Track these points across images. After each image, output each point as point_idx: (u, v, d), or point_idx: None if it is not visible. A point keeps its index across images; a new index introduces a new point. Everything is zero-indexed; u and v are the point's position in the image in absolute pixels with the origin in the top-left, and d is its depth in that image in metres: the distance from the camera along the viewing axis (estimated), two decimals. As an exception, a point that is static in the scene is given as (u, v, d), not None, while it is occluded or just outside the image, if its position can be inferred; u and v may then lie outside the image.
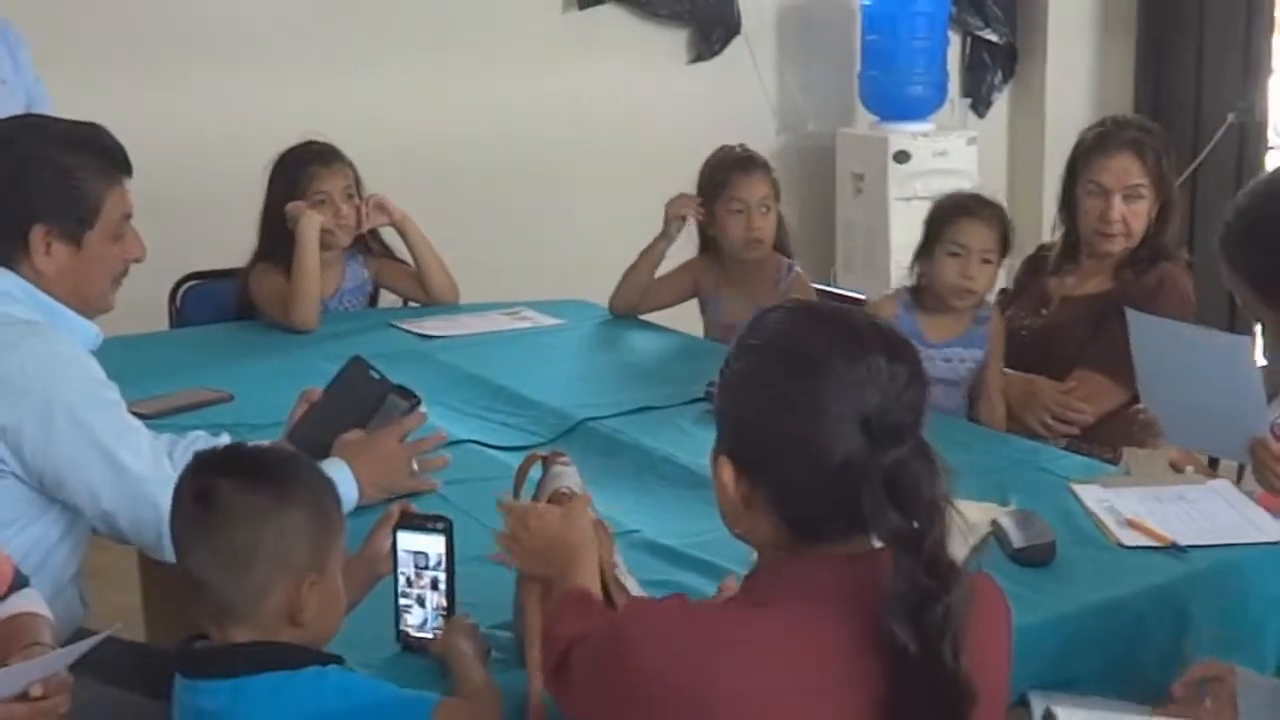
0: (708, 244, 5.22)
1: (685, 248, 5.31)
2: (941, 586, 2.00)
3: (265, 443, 3.19)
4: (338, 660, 2.50)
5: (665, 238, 5.20)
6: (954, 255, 4.24)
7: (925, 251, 4.34)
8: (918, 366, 2.12)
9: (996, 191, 7.79)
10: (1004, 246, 4.28)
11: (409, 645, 2.75)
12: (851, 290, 5.58)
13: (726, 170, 5.02)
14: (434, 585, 2.73)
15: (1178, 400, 3.64)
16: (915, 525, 2.01)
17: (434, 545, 2.74)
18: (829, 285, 5.99)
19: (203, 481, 2.47)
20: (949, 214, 4.31)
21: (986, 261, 4.24)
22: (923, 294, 4.37)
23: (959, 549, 3.06)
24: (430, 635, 2.72)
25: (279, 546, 2.44)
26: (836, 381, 2.04)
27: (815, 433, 2.04)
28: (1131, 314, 3.77)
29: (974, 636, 2.13)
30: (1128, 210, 4.44)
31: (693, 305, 5.32)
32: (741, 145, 5.31)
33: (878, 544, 2.09)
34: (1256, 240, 2.59)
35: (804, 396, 2.06)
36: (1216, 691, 2.81)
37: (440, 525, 2.75)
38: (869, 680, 2.00)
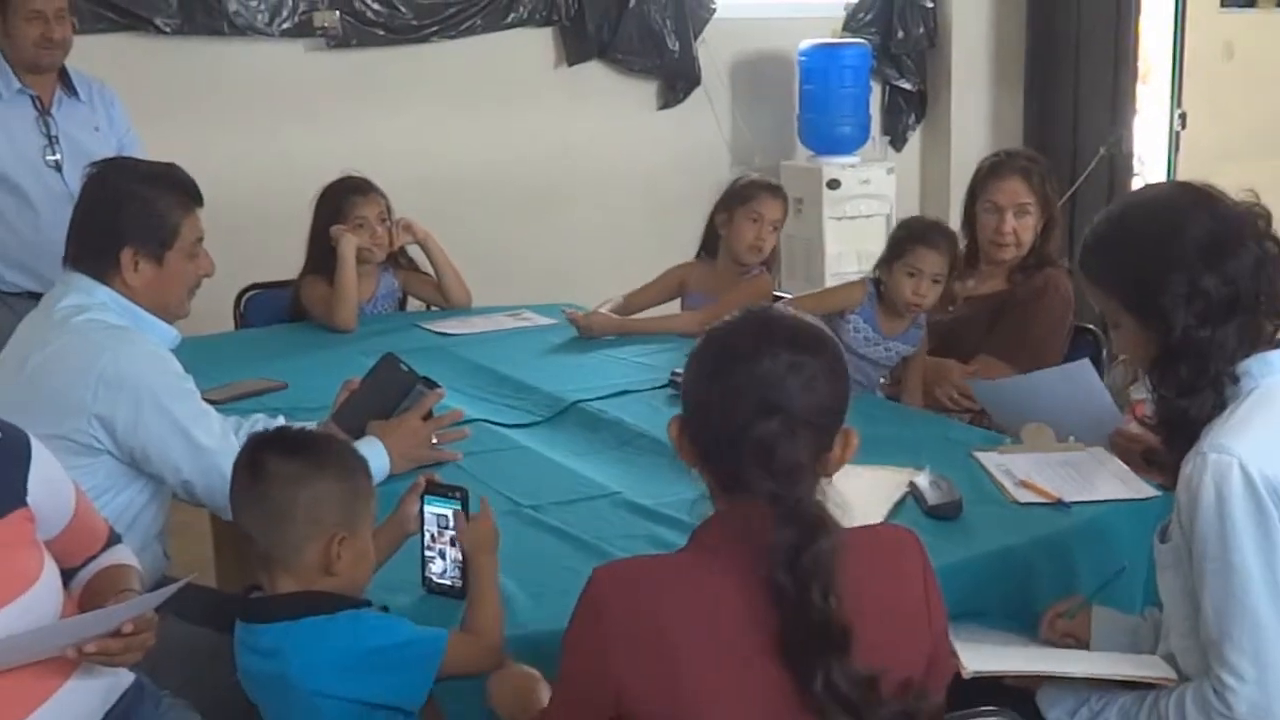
0: (709, 246, 5.17)
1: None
2: (806, 538, 1.99)
3: (311, 424, 3.20)
4: (367, 604, 2.51)
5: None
6: (910, 275, 4.19)
7: (886, 263, 4.27)
8: (825, 361, 2.10)
9: (909, 211, 7.87)
10: (952, 268, 4.24)
11: (431, 590, 2.76)
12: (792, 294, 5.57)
13: (757, 189, 4.98)
14: (452, 542, 2.74)
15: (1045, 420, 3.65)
16: (775, 486, 2.01)
17: (450, 510, 2.75)
18: (774, 290, 5.97)
19: (254, 454, 2.50)
20: (911, 240, 4.23)
21: (936, 282, 4.19)
22: (882, 293, 4.34)
23: (881, 507, 3.10)
24: (449, 582, 2.73)
25: (313, 506, 2.45)
26: (746, 366, 2.06)
27: (723, 404, 2.06)
28: (976, 384, 3.85)
29: (894, 578, 2.16)
30: (1018, 224, 4.44)
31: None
32: (773, 177, 5.41)
33: None
34: (1108, 257, 2.60)
35: (721, 375, 2.09)
36: (1075, 622, 2.83)
37: (457, 493, 2.76)
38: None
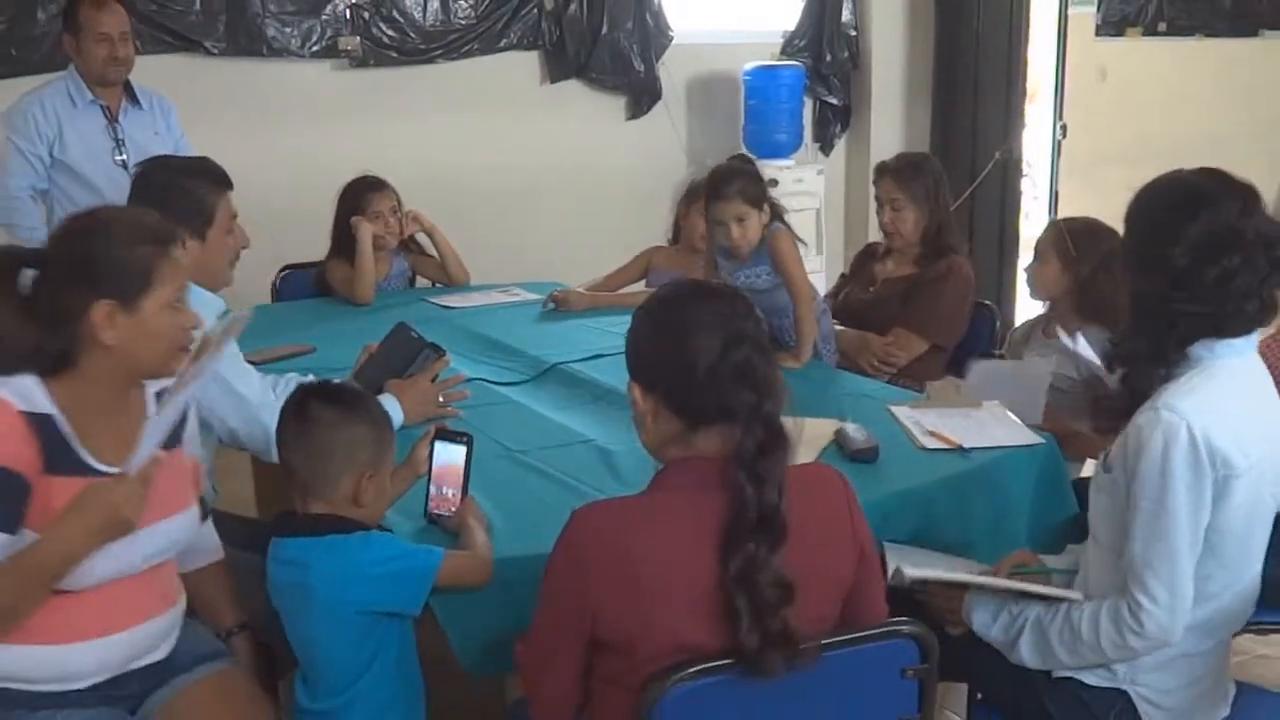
0: (677, 235, 5.24)
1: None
2: (775, 443, 2.05)
3: (336, 381, 3.20)
4: (380, 529, 2.55)
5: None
6: (719, 225, 4.01)
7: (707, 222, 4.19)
8: (750, 308, 2.16)
9: (836, 205, 7.88)
10: (758, 202, 4.01)
11: (433, 520, 2.76)
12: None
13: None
14: (453, 481, 2.75)
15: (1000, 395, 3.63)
16: (757, 398, 2.05)
17: (457, 453, 2.76)
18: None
19: (302, 401, 2.54)
20: (710, 198, 4.07)
21: (741, 220, 3.99)
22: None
23: (810, 452, 3.10)
24: (449, 514, 2.73)
25: (348, 447, 2.49)
26: (698, 315, 2.11)
27: (685, 351, 2.08)
28: (973, 365, 3.83)
29: (821, 502, 2.19)
30: (894, 215, 4.47)
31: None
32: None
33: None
34: (1134, 206, 2.60)
35: (675, 329, 2.13)
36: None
37: (464, 439, 2.78)
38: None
